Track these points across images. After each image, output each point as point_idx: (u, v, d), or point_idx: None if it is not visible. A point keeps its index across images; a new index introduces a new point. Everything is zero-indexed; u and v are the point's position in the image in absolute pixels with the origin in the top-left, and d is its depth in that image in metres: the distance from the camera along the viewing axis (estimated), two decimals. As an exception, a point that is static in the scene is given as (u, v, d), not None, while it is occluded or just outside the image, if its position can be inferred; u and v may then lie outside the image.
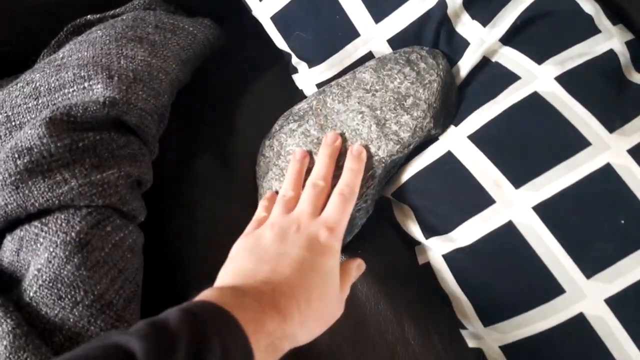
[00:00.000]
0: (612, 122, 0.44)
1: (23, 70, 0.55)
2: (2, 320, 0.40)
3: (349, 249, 0.52)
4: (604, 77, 0.47)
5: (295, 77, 0.60)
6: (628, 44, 0.49)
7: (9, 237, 0.47)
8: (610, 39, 0.48)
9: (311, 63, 0.56)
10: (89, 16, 0.59)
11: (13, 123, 0.50)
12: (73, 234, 0.44)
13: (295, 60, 0.58)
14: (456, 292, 0.48)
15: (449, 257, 0.48)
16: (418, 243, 0.52)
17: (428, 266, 0.50)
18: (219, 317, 0.30)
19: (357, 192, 0.46)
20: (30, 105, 0.50)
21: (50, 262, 0.43)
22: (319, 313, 0.37)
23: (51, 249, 0.44)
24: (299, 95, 0.60)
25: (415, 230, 0.50)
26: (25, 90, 0.51)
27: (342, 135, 0.49)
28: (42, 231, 0.45)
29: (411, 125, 0.48)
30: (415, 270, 0.53)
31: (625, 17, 0.51)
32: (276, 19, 0.56)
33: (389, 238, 0.54)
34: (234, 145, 0.60)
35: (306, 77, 0.58)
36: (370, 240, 0.53)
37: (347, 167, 0.47)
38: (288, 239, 0.40)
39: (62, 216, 0.45)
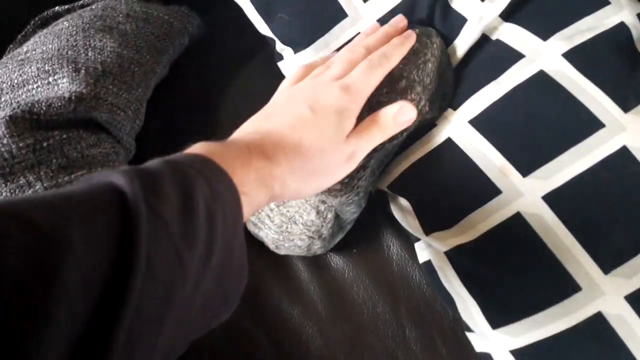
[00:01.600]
0: (627, 100, 0.41)
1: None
2: None
3: (341, 248, 0.49)
4: (615, 53, 0.43)
5: (280, 64, 0.56)
6: (640, 16, 0.45)
7: None
8: (620, 11, 0.45)
9: (296, 47, 0.52)
10: (57, 8, 0.55)
11: None
12: None
13: (279, 46, 0.54)
14: (461, 292, 0.44)
15: (452, 254, 0.44)
16: (418, 240, 0.48)
17: (429, 264, 0.47)
18: (200, 161, 0.30)
19: (393, 63, 0.43)
20: None
21: None
22: (312, 165, 0.37)
23: None
24: (285, 84, 0.56)
25: (414, 225, 0.46)
26: None
27: None
28: None
29: None
30: (416, 268, 0.49)
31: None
32: (257, 0, 0.52)
33: (385, 235, 0.50)
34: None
35: (292, 64, 0.54)
36: (365, 237, 0.49)
37: (391, 40, 0.44)
38: (298, 98, 0.40)
39: None
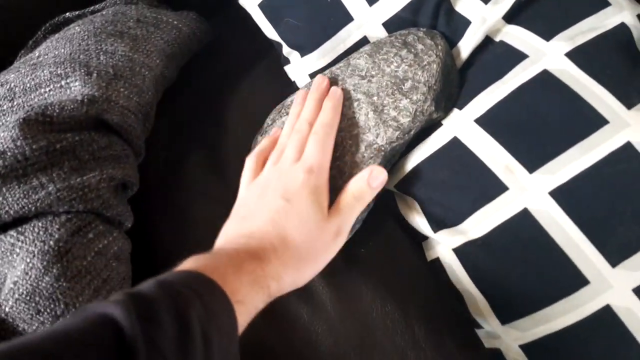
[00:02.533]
0: (630, 97, 0.41)
1: None
2: None
3: (350, 247, 0.49)
4: (617, 52, 0.44)
5: (287, 68, 0.57)
6: (640, 17, 0.46)
7: None
8: (621, 12, 0.45)
9: (303, 51, 0.53)
10: (67, 14, 0.56)
11: None
12: (51, 242, 0.41)
13: (286, 50, 0.55)
14: (469, 289, 0.44)
15: (460, 251, 0.44)
16: (425, 238, 0.49)
17: (437, 262, 0.47)
18: (194, 279, 0.30)
19: (336, 126, 0.45)
20: (5, 107, 0.47)
21: (27, 273, 0.40)
22: (302, 253, 0.38)
23: (28, 260, 0.40)
24: (292, 88, 0.57)
25: (421, 223, 0.47)
26: None
27: (340, 122, 0.46)
28: (19, 241, 0.42)
29: (411, 110, 0.44)
30: (424, 267, 0.49)
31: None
32: (264, 6, 0.53)
33: (393, 234, 0.50)
34: (225, 145, 0.56)
35: (298, 68, 0.54)
36: (373, 237, 0.49)
37: (323, 106, 0.46)
38: (268, 192, 0.41)
39: (40, 224, 0.42)
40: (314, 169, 0.41)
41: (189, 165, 0.55)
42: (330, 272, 0.50)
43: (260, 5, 0.53)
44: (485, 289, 0.43)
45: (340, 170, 0.45)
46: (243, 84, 0.58)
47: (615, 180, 0.39)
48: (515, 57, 0.46)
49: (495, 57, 0.47)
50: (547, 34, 0.45)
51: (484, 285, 0.43)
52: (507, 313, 0.42)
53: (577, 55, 0.43)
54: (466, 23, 0.48)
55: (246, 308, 0.32)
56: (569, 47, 0.44)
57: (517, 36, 0.47)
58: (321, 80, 0.47)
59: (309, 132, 0.44)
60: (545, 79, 0.43)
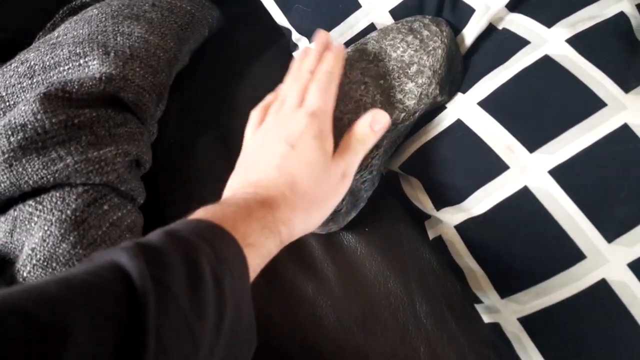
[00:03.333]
0: (627, 82, 0.43)
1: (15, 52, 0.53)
2: None
3: (355, 225, 0.50)
4: (616, 39, 0.45)
5: (295, 54, 0.58)
6: (639, 7, 0.47)
7: (1, 218, 0.45)
8: (620, 1, 0.47)
9: (312, 38, 0.55)
10: (84, -3, 0.58)
11: (7, 103, 0.48)
12: (69, 211, 0.43)
13: (295, 36, 0.56)
14: (470, 264, 0.45)
15: (462, 228, 0.46)
16: (428, 217, 0.50)
17: (439, 239, 0.48)
18: (202, 227, 0.30)
19: (338, 76, 0.44)
20: (24, 84, 0.49)
21: (44, 240, 0.42)
22: (310, 196, 0.38)
23: (46, 228, 0.42)
24: (300, 74, 0.58)
25: (425, 202, 0.48)
26: (19, 69, 0.49)
27: (347, 104, 0.48)
28: (37, 210, 0.43)
29: (416, 93, 0.46)
30: (426, 245, 0.51)
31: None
32: (275, -8, 0.55)
33: (396, 213, 0.52)
34: (234, 128, 0.57)
35: (307, 53, 0.56)
36: (377, 215, 0.51)
37: (324, 55, 0.44)
38: (272, 139, 0.40)
39: (57, 194, 0.44)
40: (317, 112, 0.40)
41: (199, 146, 0.57)
42: (335, 249, 0.52)
43: (271, -8, 0.55)
44: (486, 264, 0.45)
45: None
46: (252, 69, 0.60)
47: (612, 161, 0.41)
48: (518, 43, 0.47)
49: (498, 44, 0.49)
50: (549, 22, 0.47)
51: (484, 261, 0.45)
52: (507, 287, 0.43)
53: (578, 42, 0.45)
54: (470, 11, 0.49)
55: (258, 251, 0.32)
56: (569, 33, 0.45)
57: (519, 23, 0.48)
58: (322, 34, 0.46)
59: (309, 80, 0.43)
60: (547, 63, 0.45)
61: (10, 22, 0.60)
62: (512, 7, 0.49)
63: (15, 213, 0.44)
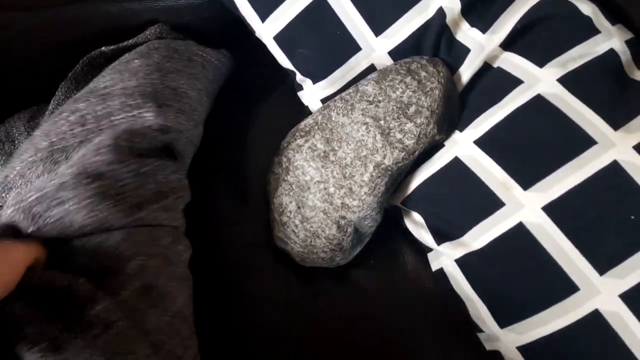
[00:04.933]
0: (616, 119, 0.45)
1: (37, 99, 0.59)
2: None
3: (361, 260, 0.53)
4: (606, 76, 0.47)
5: (300, 94, 0.61)
6: (628, 43, 0.49)
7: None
8: (610, 39, 0.49)
9: (315, 79, 0.58)
10: (103, 48, 0.61)
11: (56, 147, 0.50)
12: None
13: (299, 77, 0.59)
14: (471, 296, 0.48)
15: (461, 262, 0.48)
16: (430, 250, 0.53)
17: (441, 272, 0.51)
18: None
19: None
20: (76, 131, 0.50)
21: None
22: None
23: None
24: (306, 112, 0.61)
25: (426, 237, 0.51)
26: (70, 118, 0.51)
27: (349, 144, 0.50)
28: None
29: (415, 132, 0.49)
30: (429, 276, 0.53)
31: (623, 16, 0.51)
32: (279, 38, 0.57)
33: (400, 247, 0.54)
34: (245, 166, 0.61)
35: (311, 94, 0.59)
36: (382, 248, 0.54)
37: None
38: None
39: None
40: None
41: (211, 186, 0.60)
42: (344, 277, 0.54)
43: (275, 38, 0.58)
44: (485, 296, 0.47)
45: (350, 190, 0.49)
46: (260, 109, 0.63)
47: (603, 196, 0.43)
48: (512, 82, 0.49)
49: (494, 83, 0.51)
50: (541, 61, 0.49)
51: (483, 292, 0.47)
52: (505, 317, 0.46)
53: (568, 80, 0.47)
54: (466, 51, 0.52)
55: None
56: (560, 72, 0.47)
57: (513, 62, 0.50)
58: None
59: None
60: (539, 103, 0.47)
61: (37, 73, 0.64)
62: (506, 46, 0.52)
63: None
